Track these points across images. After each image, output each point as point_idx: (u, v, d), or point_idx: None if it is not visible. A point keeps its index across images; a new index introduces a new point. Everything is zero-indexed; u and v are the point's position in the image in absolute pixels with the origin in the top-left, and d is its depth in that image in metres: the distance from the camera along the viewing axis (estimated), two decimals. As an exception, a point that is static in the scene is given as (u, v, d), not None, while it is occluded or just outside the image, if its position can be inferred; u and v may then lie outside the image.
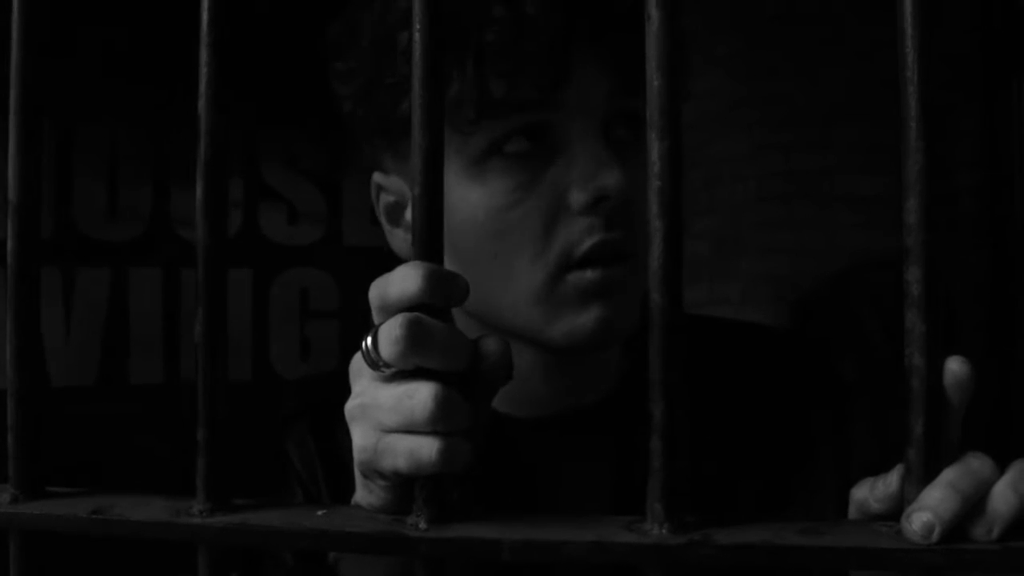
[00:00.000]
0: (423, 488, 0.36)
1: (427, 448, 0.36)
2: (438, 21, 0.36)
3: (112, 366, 2.24)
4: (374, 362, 0.37)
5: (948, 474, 0.34)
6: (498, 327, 0.59)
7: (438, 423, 0.36)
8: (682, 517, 0.34)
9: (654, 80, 0.33)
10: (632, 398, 0.48)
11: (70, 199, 2.21)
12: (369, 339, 0.37)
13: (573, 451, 0.64)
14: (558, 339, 0.58)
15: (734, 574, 0.35)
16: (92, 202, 2.24)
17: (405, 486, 0.38)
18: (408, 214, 0.62)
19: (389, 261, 0.61)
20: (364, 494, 0.40)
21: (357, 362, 0.40)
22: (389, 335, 0.36)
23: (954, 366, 0.35)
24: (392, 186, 0.63)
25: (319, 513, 0.38)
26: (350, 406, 0.40)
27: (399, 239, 0.64)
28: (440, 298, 0.36)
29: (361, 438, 0.39)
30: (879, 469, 0.39)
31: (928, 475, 0.34)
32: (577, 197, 0.56)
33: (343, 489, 0.45)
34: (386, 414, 0.37)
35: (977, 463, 0.35)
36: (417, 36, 0.36)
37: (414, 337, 0.35)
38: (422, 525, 0.35)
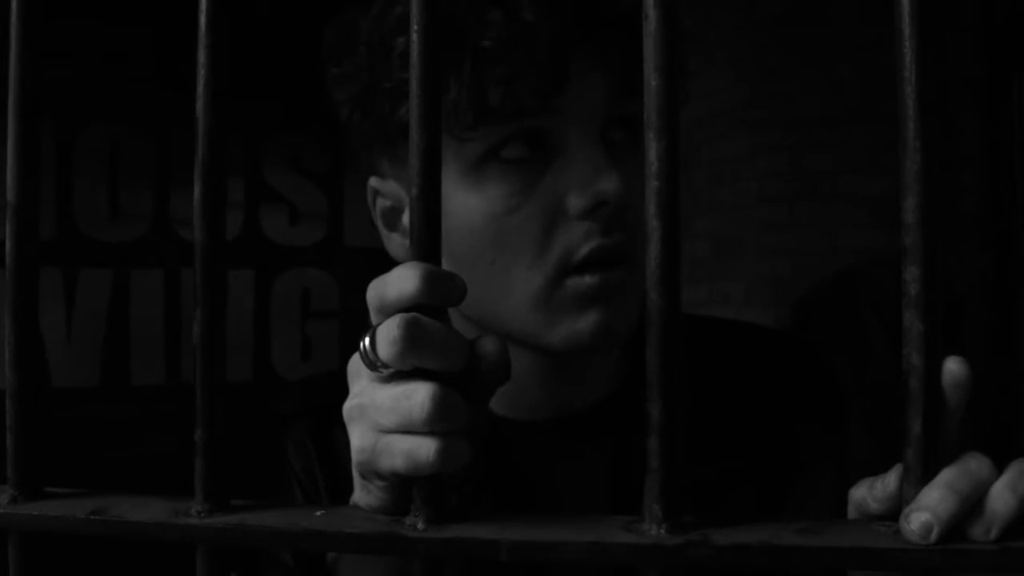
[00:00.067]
0: (421, 488, 0.36)
1: (425, 448, 0.36)
2: (436, 22, 0.36)
3: (114, 367, 2.25)
4: (372, 363, 0.37)
5: (946, 474, 0.34)
6: (497, 331, 0.59)
7: (436, 423, 0.36)
8: (680, 517, 0.34)
9: (652, 80, 0.33)
10: (630, 400, 0.48)
11: (71, 200, 2.22)
12: (367, 340, 0.37)
13: (571, 454, 0.64)
14: (557, 344, 0.58)
15: (732, 574, 0.35)
16: (94, 203, 2.24)
17: (403, 486, 0.38)
18: (405, 218, 0.63)
19: (390, 262, 0.61)
20: (362, 495, 0.40)
21: (355, 363, 0.40)
22: (387, 336, 0.36)
23: (952, 366, 0.35)
24: (389, 191, 0.63)
25: (317, 514, 0.38)
26: (348, 407, 0.40)
27: (396, 243, 0.64)
28: (438, 298, 0.36)
29: (359, 439, 0.39)
30: (878, 469, 0.38)
31: (926, 475, 0.34)
32: (575, 202, 0.56)
33: (342, 490, 0.45)
34: (384, 415, 0.37)
35: (975, 463, 0.35)
36: (415, 37, 0.36)
37: (412, 338, 0.35)
38: (420, 525, 0.36)
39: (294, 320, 2.45)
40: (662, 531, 0.33)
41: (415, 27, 0.35)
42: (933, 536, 0.33)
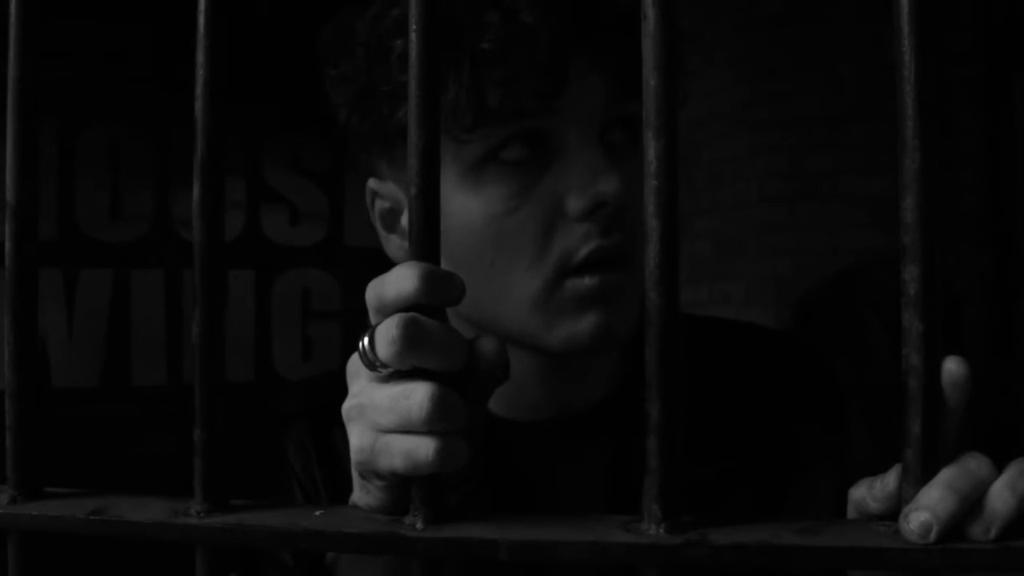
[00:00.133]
0: (420, 488, 0.36)
1: (424, 448, 0.36)
2: (435, 21, 0.36)
3: (114, 367, 2.25)
4: (371, 362, 0.37)
5: (946, 474, 0.34)
6: (496, 332, 0.59)
7: (435, 423, 0.36)
8: (679, 517, 0.34)
9: (650, 80, 0.33)
10: (629, 401, 0.48)
11: (73, 201, 2.22)
12: (366, 339, 0.37)
13: (570, 454, 0.64)
14: (557, 345, 0.58)
15: (731, 574, 0.35)
16: (95, 204, 2.25)
17: (402, 486, 0.38)
18: (403, 220, 0.63)
19: (390, 262, 0.61)
20: (361, 494, 0.40)
21: (354, 363, 0.40)
22: (386, 335, 0.36)
23: (952, 366, 0.35)
24: (387, 192, 0.63)
25: (316, 514, 0.38)
26: (347, 406, 0.40)
27: (394, 245, 0.64)
28: (437, 298, 0.36)
29: (358, 438, 0.39)
30: (878, 469, 0.38)
31: (925, 475, 0.34)
32: (574, 204, 0.56)
33: (341, 490, 0.45)
34: (383, 414, 0.37)
35: (975, 463, 0.35)
36: (413, 36, 0.36)
37: (411, 337, 0.35)
38: (419, 525, 0.36)
39: (295, 320, 2.45)
40: (661, 531, 0.33)
41: (414, 26, 0.35)
42: (932, 536, 0.33)
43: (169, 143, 2.30)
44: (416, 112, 0.36)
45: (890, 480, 0.37)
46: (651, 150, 0.34)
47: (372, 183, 0.64)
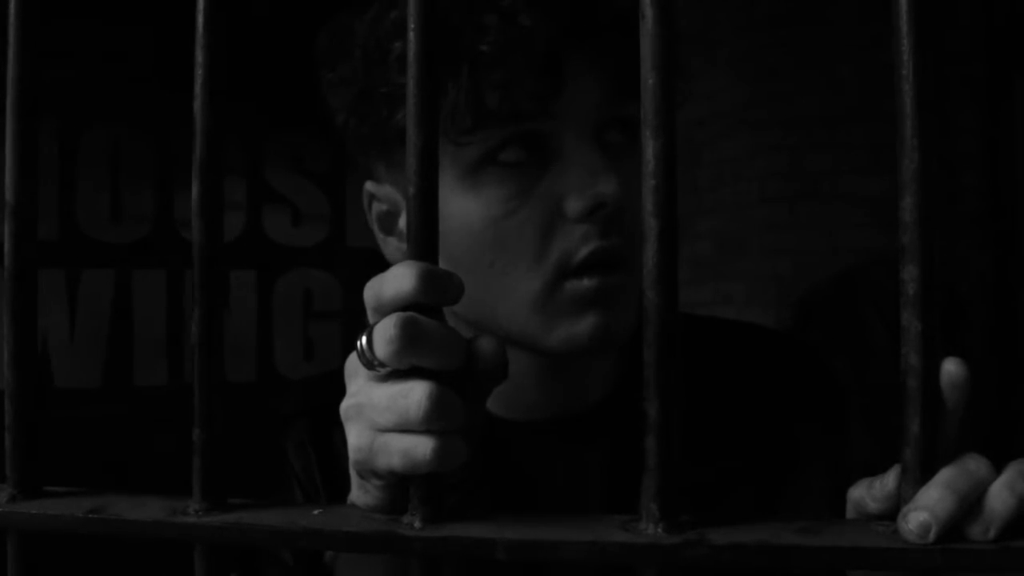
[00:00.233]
0: (418, 487, 0.36)
1: (422, 447, 0.36)
2: (433, 21, 0.36)
3: (116, 368, 2.25)
4: (369, 362, 0.37)
5: (945, 474, 0.34)
6: (495, 333, 0.59)
7: (432, 422, 0.36)
8: (677, 516, 0.34)
9: (649, 79, 0.33)
10: (628, 401, 0.48)
11: (74, 201, 2.22)
12: (364, 339, 0.37)
13: (568, 455, 0.64)
14: (556, 346, 0.58)
15: (730, 574, 0.34)
16: (96, 204, 2.25)
17: (400, 485, 0.38)
18: (401, 222, 0.63)
19: (390, 264, 0.61)
20: (360, 494, 0.40)
21: (352, 362, 0.40)
22: (384, 335, 0.36)
23: (950, 367, 0.35)
24: (385, 195, 0.63)
25: (315, 513, 0.38)
26: (345, 406, 0.40)
27: (392, 247, 0.64)
28: (435, 297, 0.36)
29: (356, 438, 0.39)
30: (878, 469, 0.38)
31: (924, 475, 0.34)
32: (573, 205, 0.56)
33: (341, 490, 0.45)
34: (381, 413, 0.37)
35: (974, 464, 0.35)
36: (412, 36, 0.36)
37: (409, 336, 0.35)
38: (417, 524, 0.36)
39: (296, 321, 2.45)
40: (659, 530, 0.33)
41: (412, 25, 0.35)
42: (931, 536, 0.33)
43: (170, 143, 2.30)
44: (415, 112, 0.36)
45: (889, 480, 0.37)
46: (649, 149, 0.34)
47: (369, 186, 0.64)
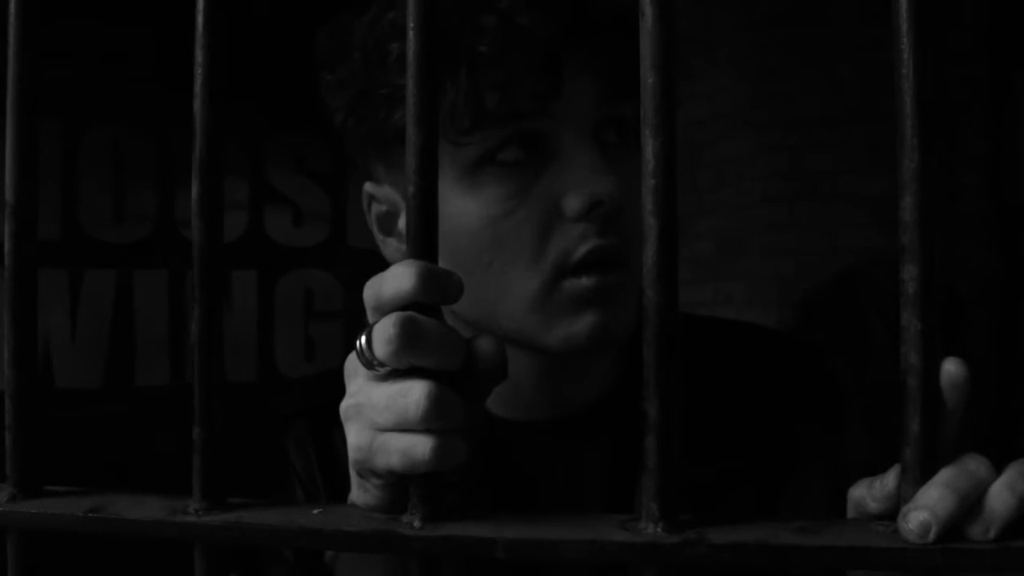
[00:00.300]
0: (417, 487, 0.36)
1: (421, 446, 0.36)
2: (432, 21, 0.36)
3: (117, 368, 2.25)
4: (368, 361, 0.37)
5: (945, 474, 0.34)
6: (494, 332, 0.59)
7: (431, 421, 0.36)
8: (677, 516, 0.34)
9: (648, 78, 0.33)
10: (627, 400, 0.48)
11: (76, 202, 2.22)
12: (363, 338, 0.37)
13: (567, 454, 0.65)
14: (555, 345, 0.58)
15: (729, 574, 0.34)
16: (98, 204, 2.25)
17: (400, 485, 0.38)
18: (400, 223, 0.63)
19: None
20: (359, 493, 0.40)
21: (352, 362, 0.40)
22: (383, 334, 0.36)
23: (950, 367, 0.35)
24: (384, 196, 0.63)
25: (314, 512, 0.38)
26: (345, 405, 0.40)
27: (391, 248, 0.64)
28: (434, 296, 0.36)
29: (356, 437, 0.39)
30: (878, 469, 0.38)
31: (924, 474, 0.34)
32: (571, 204, 0.56)
33: (341, 489, 0.45)
34: (380, 413, 0.37)
35: (974, 464, 0.35)
36: (411, 35, 0.36)
37: (408, 336, 0.35)
38: (417, 524, 0.36)
39: (297, 321, 2.46)
40: (659, 530, 0.33)
41: (411, 25, 0.35)
42: (931, 535, 0.33)
43: (172, 144, 2.30)
44: (414, 111, 0.36)
45: (889, 480, 0.37)
46: (649, 148, 0.34)
47: (369, 187, 0.64)
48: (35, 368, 0.41)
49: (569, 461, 0.64)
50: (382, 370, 0.37)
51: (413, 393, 0.36)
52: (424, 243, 0.36)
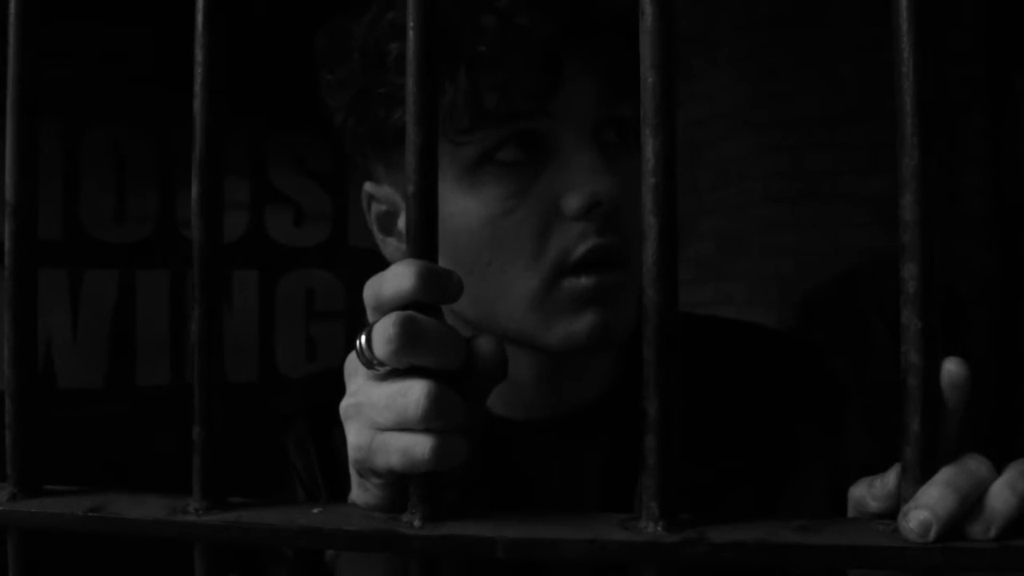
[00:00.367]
0: (417, 486, 0.36)
1: (420, 446, 0.36)
2: (432, 20, 0.36)
3: (119, 368, 2.25)
4: (368, 361, 0.37)
5: (945, 473, 0.34)
6: (494, 332, 0.59)
7: (431, 421, 0.36)
8: (677, 515, 0.34)
9: (648, 77, 0.33)
10: (626, 399, 0.48)
11: (77, 202, 2.23)
12: (363, 338, 0.37)
13: (566, 453, 0.65)
14: (554, 344, 0.58)
15: (729, 573, 0.34)
16: (99, 205, 2.25)
17: (400, 484, 0.38)
18: (400, 222, 0.63)
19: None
20: (360, 492, 0.40)
21: (352, 361, 0.40)
22: (383, 334, 0.36)
23: (951, 367, 0.34)
24: (384, 196, 0.63)
25: (314, 511, 0.38)
26: (345, 405, 0.40)
27: (391, 248, 0.64)
28: (434, 295, 0.36)
29: (356, 436, 0.39)
30: (879, 468, 0.38)
31: (925, 473, 0.34)
32: (570, 203, 0.56)
33: (342, 488, 0.45)
34: (380, 412, 0.37)
35: (975, 463, 0.34)
36: (411, 35, 0.36)
37: (408, 335, 0.35)
38: (416, 523, 0.36)
39: (299, 321, 2.46)
40: (659, 529, 0.33)
41: (411, 24, 0.35)
42: (932, 534, 0.33)
43: (173, 144, 2.30)
44: (414, 110, 0.36)
45: (890, 479, 0.37)
46: (649, 147, 0.34)
47: (368, 186, 0.64)
48: (35, 368, 0.41)
49: (568, 460, 0.64)
50: (382, 369, 0.37)
51: (413, 392, 0.36)
52: (424, 242, 0.36)
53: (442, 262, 0.38)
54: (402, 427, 0.36)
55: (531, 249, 0.57)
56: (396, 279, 0.36)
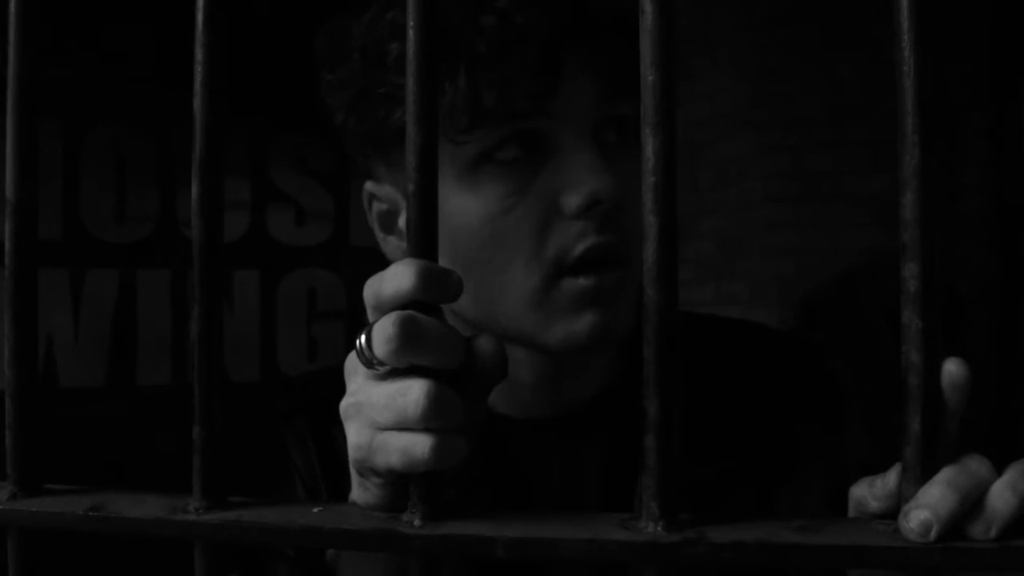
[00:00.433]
0: (417, 485, 0.36)
1: (420, 445, 0.36)
2: (432, 20, 0.36)
3: (120, 367, 2.25)
4: (368, 360, 0.37)
5: (946, 473, 0.34)
6: (494, 331, 0.59)
7: (431, 420, 0.36)
8: (677, 515, 0.34)
9: (648, 76, 0.33)
10: (626, 397, 0.48)
11: (78, 201, 2.23)
12: (363, 337, 0.37)
13: (565, 451, 0.65)
14: (554, 345, 0.58)
15: (730, 572, 0.34)
16: (100, 204, 2.25)
17: (400, 483, 0.38)
18: (401, 221, 0.63)
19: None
20: (360, 492, 0.40)
21: (352, 361, 0.40)
22: (382, 333, 0.36)
23: (951, 367, 0.34)
24: (384, 194, 0.63)
25: (315, 510, 0.38)
26: (345, 404, 0.40)
27: (392, 246, 0.65)
28: (434, 294, 0.36)
29: (356, 436, 0.39)
30: (880, 468, 0.38)
31: (925, 473, 0.34)
32: (570, 201, 0.56)
33: (342, 484, 0.45)
34: (380, 412, 0.37)
35: (975, 463, 0.34)
36: (411, 35, 0.36)
37: (407, 335, 0.35)
38: (417, 522, 0.36)
39: (300, 320, 2.46)
40: (659, 529, 0.33)
41: (411, 24, 0.35)
42: (932, 534, 0.33)
43: (174, 144, 2.30)
44: (414, 110, 0.36)
45: (890, 479, 0.37)
46: (649, 147, 0.34)
47: (369, 185, 0.64)
48: (35, 367, 0.41)
49: (567, 458, 0.64)
50: (382, 369, 0.37)
51: (412, 392, 0.36)
52: (424, 241, 0.36)
53: (443, 261, 0.38)
54: (402, 427, 0.36)
55: (530, 247, 0.57)
56: (396, 279, 0.36)
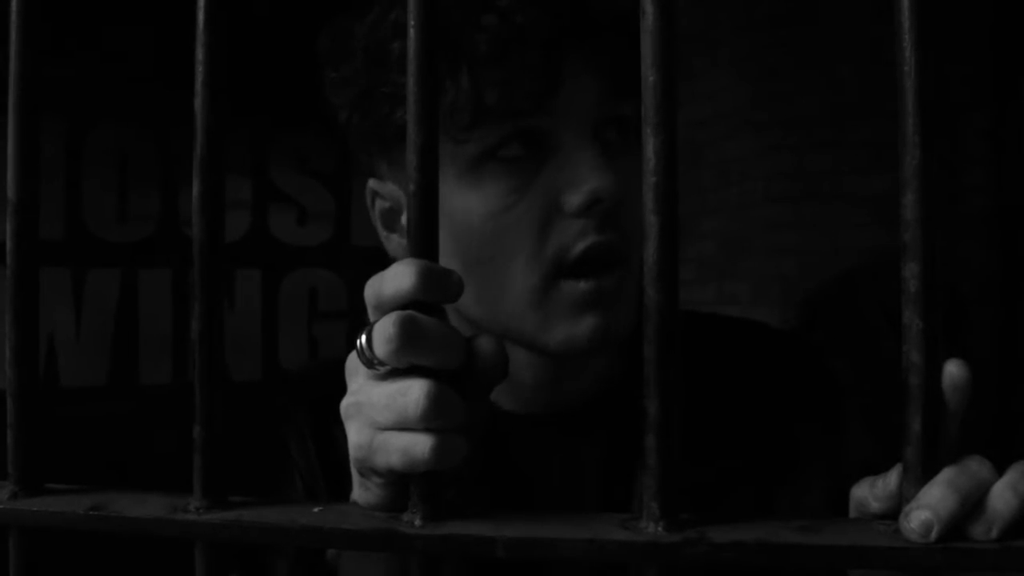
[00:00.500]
0: (418, 485, 0.36)
1: (420, 445, 0.36)
2: (433, 19, 0.36)
3: (122, 366, 2.26)
4: (369, 360, 0.37)
5: (947, 473, 0.34)
6: (494, 331, 0.59)
7: (431, 420, 0.36)
8: (677, 515, 0.34)
9: (649, 76, 0.33)
10: (627, 396, 0.48)
11: (80, 201, 2.23)
12: (364, 337, 0.37)
13: (565, 449, 0.65)
14: (554, 347, 0.59)
15: (730, 572, 0.34)
16: (102, 204, 2.25)
17: (401, 483, 0.38)
18: (403, 219, 0.63)
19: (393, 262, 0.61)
20: (360, 492, 0.40)
21: (352, 360, 0.40)
22: (383, 333, 0.36)
23: (952, 368, 0.34)
24: (387, 192, 0.63)
25: (315, 510, 0.38)
26: (345, 404, 0.40)
27: (394, 244, 0.65)
28: (434, 294, 0.36)
29: (356, 436, 0.39)
30: (881, 469, 0.38)
31: (926, 473, 0.34)
32: (570, 199, 0.56)
33: (342, 481, 0.45)
34: (380, 412, 0.37)
35: (976, 464, 0.34)
36: (412, 34, 0.36)
37: (408, 335, 0.35)
38: (417, 522, 0.36)
39: (301, 320, 2.46)
40: (659, 529, 0.33)
41: (412, 23, 0.35)
42: (933, 535, 0.32)
43: (175, 143, 2.30)
44: (415, 109, 0.36)
45: (891, 479, 0.37)
46: (650, 146, 0.34)
47: (372, 183, 0.65)
48: (36, 367, 0.41)
49: (566, 456, 0.65)
50: (382, 369, 0.37)
51: (413, 392, 0.36)
52: (425, 240, 0.36)
53: (445, 260, 0.38)
54: (402, 426, 0.36)
55: (531, 245, 0.57)
56: (396, 278, 0.36)
